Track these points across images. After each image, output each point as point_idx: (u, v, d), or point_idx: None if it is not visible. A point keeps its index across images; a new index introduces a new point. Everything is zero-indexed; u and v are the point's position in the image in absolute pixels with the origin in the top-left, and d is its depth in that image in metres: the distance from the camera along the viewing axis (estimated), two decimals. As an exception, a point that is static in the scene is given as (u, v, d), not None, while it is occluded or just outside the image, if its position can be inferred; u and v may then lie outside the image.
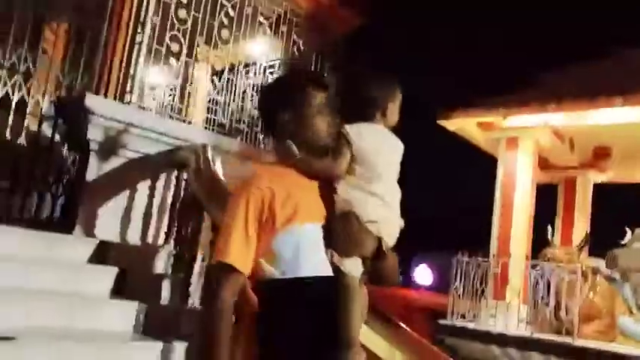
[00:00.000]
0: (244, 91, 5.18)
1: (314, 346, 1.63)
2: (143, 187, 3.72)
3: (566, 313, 6.95)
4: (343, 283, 1.74)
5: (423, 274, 12.72)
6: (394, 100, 2.04)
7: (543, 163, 9.34)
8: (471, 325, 7.41)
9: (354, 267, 1.77)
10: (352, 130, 1.91)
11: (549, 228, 8.09)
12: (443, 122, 8.24)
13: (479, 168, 8.86)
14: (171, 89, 4.54)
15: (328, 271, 1.70)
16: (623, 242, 8.06)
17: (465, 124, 8.29)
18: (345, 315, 1.72)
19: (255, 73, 5.13)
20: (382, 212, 1.87)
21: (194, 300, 2.93)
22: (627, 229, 8.11)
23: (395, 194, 1.96)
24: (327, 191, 1.81)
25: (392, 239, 1.89)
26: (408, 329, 2.55)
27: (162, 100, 4.54)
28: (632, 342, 7.01)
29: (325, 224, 1.74)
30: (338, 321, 1.70)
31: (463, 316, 7.65)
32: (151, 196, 3.73)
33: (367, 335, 2.39)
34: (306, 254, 1.65)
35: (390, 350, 2.33)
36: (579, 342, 6.45)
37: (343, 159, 1.86)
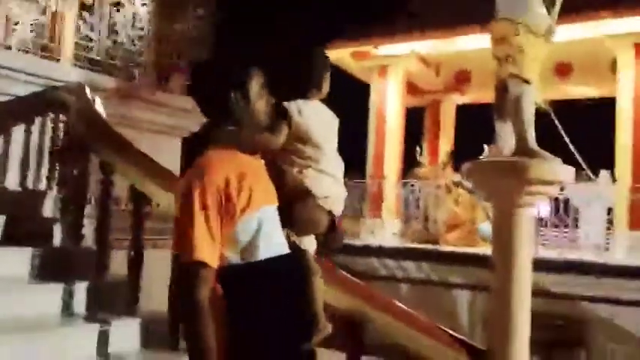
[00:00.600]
0: (116, 26, 5.05)
1: (283, 325, 1.67)
2: (18, 132, 3.61)
3: (434, 224, 7.74)
4: (305, 261, 1.85)
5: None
6: (327, 73, 2.12)
7: (412, 89, 9.97)
8: (352, 242, 8.02)
9: (310, 243, 1.91)
10: (291, 107, 1.99)
11: (418, 148, 8.78)
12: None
13: (357, 96, 9.27)
14: (36, 26, 4.34)
15: (286, 251, 1.73)
16: (480, 157, 8.98)
17: (340, 55, 8.60)
18: (310, 290, 1.85)
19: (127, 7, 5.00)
20: (334, 189, 2.01)
21: (88, 241, 3.02)
22: (485, 145, 9.02)
23: (340, 167, 2.09)
24: (274, 172, 1.82)
25: (340, 211, 2.04)
26: (330, 263, 2.82)
27: (27, 37, 4.34)
28: (489, 244, 7.95)
29: (280, 205, 1.74)
30: (304, 297, 1.80)
31: (347, 235, 8.24)
32: (27, 140, 3.63)
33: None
34: (267, 237, 1.67)
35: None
36: (445, 248, 7.25)
37: (281, 133, 1.93)
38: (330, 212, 1.99)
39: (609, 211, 7.09)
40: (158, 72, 5.57)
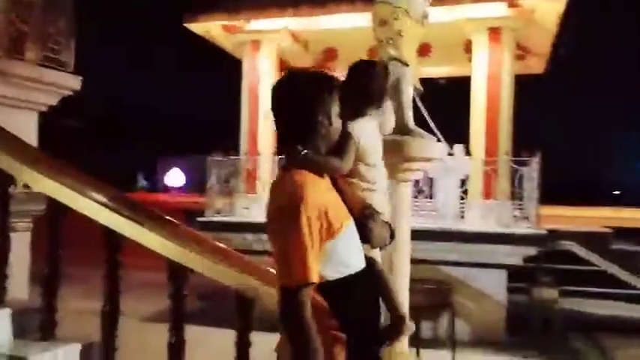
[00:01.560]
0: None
1: (375, 329, 1.89)
2: None
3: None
4: (379, 269, 2.03)
5: (175, 177, 12.92)
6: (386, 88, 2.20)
7: (282, 64, 10.04)
8: (226, 219, 8.00)
9: (375, 253, 2.06)
10: (355, 127, 2.00)
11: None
12: (189, 25, 8.24)
13: (228, 71, 9.13)
14: None
15: (364, 261, 1.86)
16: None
17: (210, 28, 8.40)
18: (393, 292, 2.03)
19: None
20: (384, 202, 2.13)
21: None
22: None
23: (385, 179, 2.20)
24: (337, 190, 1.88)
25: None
26: (188, 228, 2.80)
27: None
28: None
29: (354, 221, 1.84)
30: (387, 298, 1.98)
31: (219, 212, 8.19)
32: None
33: (153, 240, 2.57)
34: (353, 251, 1.80)
35: (180, 250, 2.57)
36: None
37: (350, 156, 1.95)
38: (389, 225, 2.14)
39: (463, 182, 7.74)
40: (9, 40, 5.08)
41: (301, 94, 1.78)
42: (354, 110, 2.09)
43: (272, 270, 3.15)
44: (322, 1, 7.71)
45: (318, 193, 1.70)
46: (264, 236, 6.69)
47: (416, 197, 7.63)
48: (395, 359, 3.38)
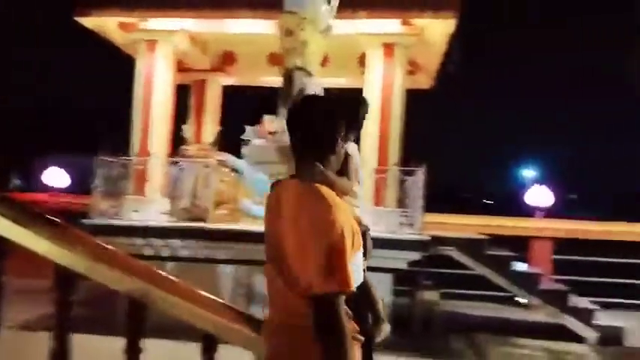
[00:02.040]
0: None
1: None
2: None
3: (201, 202, 7.83)
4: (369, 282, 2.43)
5: (56, 177, 12.18)
6: None
7: (178, 65, 9.85)
8: (114, 222, 7.69)
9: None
10: (349, 149, 2.26)
11: (185, 127, 8.74)
12: (81, 19, 7.85)
13: (121, 68, 8.80)
14: None
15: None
16: (242, 137, 9.38)
17: (104, 23, 8.06)
18: (376, 298, 2.60)
19: None
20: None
21: None
22: (247, 126, 9.41)
23: None
24: None
25: None
26: (71, 227, 2.70)
27: None
28: (250, 219, 8.38)
29: None
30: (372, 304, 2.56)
31: (105, 214, 7.85)
32: None
33: (31, 240, 2.45)
34: (361, 264, 2.00)
35: (59, 250, 2.47)
36: (212, 225, 7.41)
37: (353, 177, 2.27)
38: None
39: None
40: None
41: (323, 117, 1.95)
42: (346, 134, 2.22)
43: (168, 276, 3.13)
44: (223, 4, 7.68)
45: (347, 208, 1.85)
46: (156, 240, 6.54)
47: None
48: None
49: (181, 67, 9.90)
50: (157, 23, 8.02)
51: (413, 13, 7.38)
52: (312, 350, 1.75)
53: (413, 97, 10.78)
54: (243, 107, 11.23)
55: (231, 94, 11.07)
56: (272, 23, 7.04)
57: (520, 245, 10.12)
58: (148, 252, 7.70)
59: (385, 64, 7.84)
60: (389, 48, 7.80)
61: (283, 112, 3.89)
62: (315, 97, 2.16)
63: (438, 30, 7.71)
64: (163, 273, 3.59)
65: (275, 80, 10.68)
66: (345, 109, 2.07)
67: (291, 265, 1.79)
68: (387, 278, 7.30)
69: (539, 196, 11.21)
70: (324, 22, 3.87)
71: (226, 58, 10.01)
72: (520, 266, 8.75)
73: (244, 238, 7.22)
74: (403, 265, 7.43)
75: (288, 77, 3.67)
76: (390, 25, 7.70)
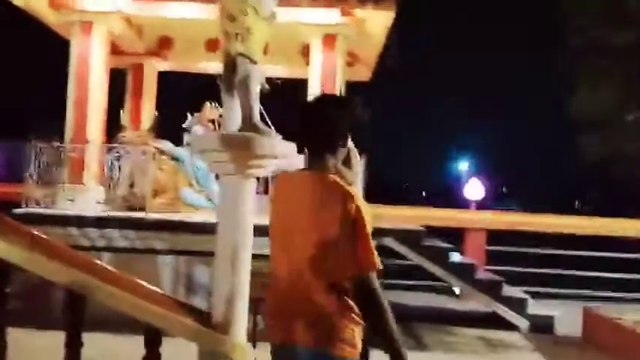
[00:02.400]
0: None
1: None
2: None
3: (139, 191, 7.62)
4: None
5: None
6: None
7: (113, 49, 9.51)
8: (48, 211, 7.37)
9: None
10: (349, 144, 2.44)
11: (122, 112, 8.46)
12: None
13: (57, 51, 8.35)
14: None
15: None
16: (183, 125, 9.17)
17: (33, 1, 7.65)
18: None
19: None
20: None
21: None
22: (188, 114, 9.22)
23: None
24: None
25: None
26: (5, 217, 2.58)
27: None
28: (191, 209, 8.24)
29: None
30: None
31: (39, 203, 7.51)
32: None
33: None
34: None
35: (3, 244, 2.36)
36: (151, 215, 7.23)
37: (356, 168, 2.60)
38: None
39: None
40: None
41: (337, 115, 2.21)
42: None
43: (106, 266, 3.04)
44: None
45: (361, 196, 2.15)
46: (93, 230, 6.32)
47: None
48: (233, 352, 3.43)
49: (117, 51, 9.56)
50: (92, 3, 7.67)
51: (353, 3, 7.41)
52: (339, 329, 2.11)
53: (352, 88, 10.91)
54: (184, 93, 10.99)
55: (172, 79, 10.82)
56: (210, 8, 6.90)
57: (456, 236, 10.44)
58: (83, 242, 7.44)
59: (326, 54, 7.85)
60: (330, 39, 7.81)
61: (226, 99, 3.81)
62: (329, 96, 2.51)
63: (378, 22, 7.78)
64: (103, 264, 3.48)
65: (213, 67, 10.56)
66: (352, 108, 2.27)
67: (354, 250, 2.08)
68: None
69: (473, 188, 11.58)
70: (268, 9, 3.80)
71: (163, 42, 9.74)
72: (456, 257, 9.00)
73: (184, 228, 7.10)
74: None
75: (231, 64, 3.59)
76: (330, 15, 7.69)
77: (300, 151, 2.76)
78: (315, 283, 2.09)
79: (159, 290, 3.69)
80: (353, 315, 2.13)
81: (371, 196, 9.39)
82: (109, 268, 3.46)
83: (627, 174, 20.90)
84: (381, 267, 2.11)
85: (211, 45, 9.41)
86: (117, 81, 9.53)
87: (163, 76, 10.55)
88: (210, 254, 6.38)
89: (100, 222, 7.19)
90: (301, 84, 8.60)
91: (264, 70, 3.84)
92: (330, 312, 2.10)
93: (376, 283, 2.11)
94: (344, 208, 2.05)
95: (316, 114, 2.24)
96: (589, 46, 19.08)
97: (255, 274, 4.09)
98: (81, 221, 7.15)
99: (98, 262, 3.06)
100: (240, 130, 3.69)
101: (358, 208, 2.07)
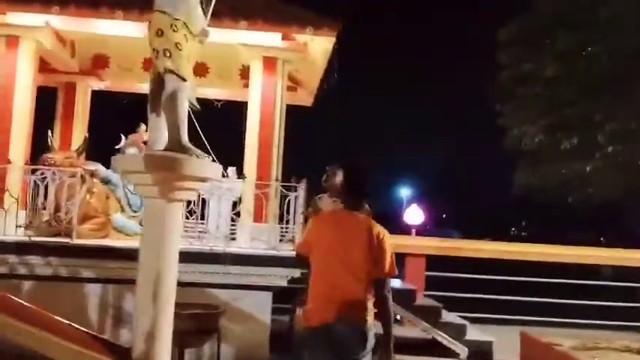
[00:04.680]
0: None
1: None
2: None
3: (65, 216, 7.19)
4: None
5: None
6: None
7: (44, 66, 9.08)
8: (-38, 237, 6.83)
9: None
10: None
11: (50, 132, 8.03)
12: None
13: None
14: None
15: None
16: (117, 147, 8.80)
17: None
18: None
19: None
20: None
21: None
22: (122, 135, 8.87)
23: None
24: None
25: None
26: None
27: None
28: (122, 236, 7.86)
29: None
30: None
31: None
32: None
33: None
34: None
35: None
36: (77, 241, 6.82)
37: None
38: None
39: (235, 205, 7.78)
40: None
41: (369, 177, 3.70)
42: None
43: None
44: (94, 3, 7.14)
45: None
46: (12, 257, 5.85)
47: (187, 218, 7.41)
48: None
49: (48, 69, 9.14)
50: (18, 18, 7.25)
51: (293, 28, 7.33)
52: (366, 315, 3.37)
53: (295, 113, 10.81)
54: (119, 114, 10.59)
55: (107, 99, 10.42)
56: (147, 26, 6.65)
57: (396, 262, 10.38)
58: (2, 270, 6.94)
59: (266, 77, 7.68)
60: (270, 62, 7.64)
61: (152, 118, 3.59)
62: (365, 164, 3.72)
63: (319, 46, 7.72)
64: (9, 296, 3.15)
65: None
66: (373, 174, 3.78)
67: (378, 261, 3.38)
68: (267, 296, 7.12)
69: (413, 214, 11.63)
70: (199, 25, 3.63)
71: (97, 60, 9.38)
72: (396, 282, 8.95)
73: (112, 254, 6.73)
74: (283, 283, 7.31)
75: (159, 80, 3.39)
76: (270, 39, 7.57)
77: (338, 195, 3.68)
78: (353, 281, 3.35)
79: (74, 325, 3.38)
80: (370, 301, 3.38)
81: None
82: (17, 300, 3.15)
83: (550, 198, 21.73)
84: (396, 273, 3.52)
85: (148, 64, 9.12)
86: (44, 98, 9.08)
87: (98, 96, 10.15)
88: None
89: (21, 247, 6.72)
90: (241, 107, 8.43)
91: (194, 87, 3.66)
92: (360, 299, 3.34)
93: (390, 285, 3.46)
94: (373, 233, 3.43)
95: (358, 175, 3.63)
96: (521, 76, 19.86)
97: (182, 305, 3.83)
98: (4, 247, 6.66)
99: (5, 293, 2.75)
100: (165, 150, 3.48)
101: (382, 233, 3.46)
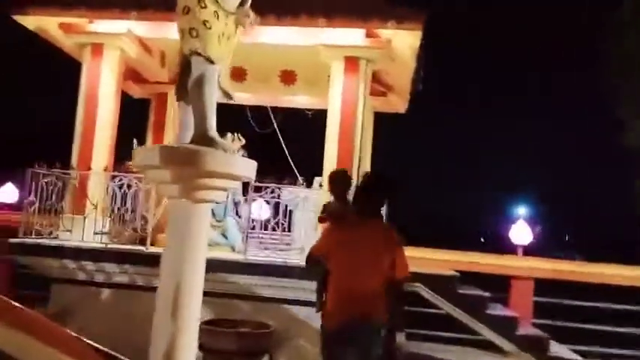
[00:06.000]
0: None
1: None
2: None
3: (145, 224, 7.09)
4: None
5: (9, 193, 11.44)
6: None
7: (136, 77, 9.21)
8: (45, 242, 6.93)
9: None
10: None
11: (135, 141, 8.03)
12: (19, 18, 7.17)
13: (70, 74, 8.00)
14: None
15: None
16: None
17: (45, 24, 7.38)
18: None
19: None
20: None
21: None
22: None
23: None
24: None
25: None
26: None
27: None
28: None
29: None
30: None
31: (39, 233, 7.08)
32: None
33: None
34: None
35: None
36: (151, 249, 6.66)
37: None
38: None
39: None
40: None
41: (394, 187, 3.96)
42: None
43: None
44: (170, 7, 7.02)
45: None
46: (90, 264, 5.79)
47: (274, 230, 7.06)
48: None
49: (141, 79, 9.26)
50: (102, 25, 7.31)
51: (374, 22, 6.70)
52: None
53: (388, 120, 10.19)
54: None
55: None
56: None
57: (499, 284, 9.38)
58: (80, 276, 6.95)
59: (347, 79, 7.12)
60: (351, 62, 7.07)
61: (182, 108, 3.16)
62: (389, 176, 3.94)
63: (404, 43, 7.04)
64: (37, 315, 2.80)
65: (240, 97, 10.10)
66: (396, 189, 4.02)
67: (397, 264, 3.67)
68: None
69: (520, 232, 10.47)
70: (235, 3, 3.16)
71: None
72: (496, 308, 8.04)
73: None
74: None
75: (185, 64, 2.95)
76: (352, 37, 7.01)
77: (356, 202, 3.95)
78: (373, 283, 3.58)
79: (98, 347, 2.99)
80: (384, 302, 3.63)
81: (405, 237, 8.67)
82: (45, 321, 2.79)
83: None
84: (410, 275, 3.75)
85: (238, 74, 9.00)
86: (138, 108, 9.19)
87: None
88: (215, 295, 5.76)
89: (97, 254, 6.68)
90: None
91: (226, 71, 3.21)
92: (378, 301, 3.57)
93: (404, 286, 3.85)
94: (391, 238, 3.75)
95: (385, 185, 3.86)
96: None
97: (236, 322, 3.40)
98: (77, 253, 6.66)
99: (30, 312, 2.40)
100: (193, 142, 3.05)
101: (396, 237, 3.76)
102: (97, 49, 7.41)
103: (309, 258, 4.01)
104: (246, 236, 6.90)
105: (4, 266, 9.41)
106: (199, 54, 3.03)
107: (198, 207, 3.06)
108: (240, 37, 3.33)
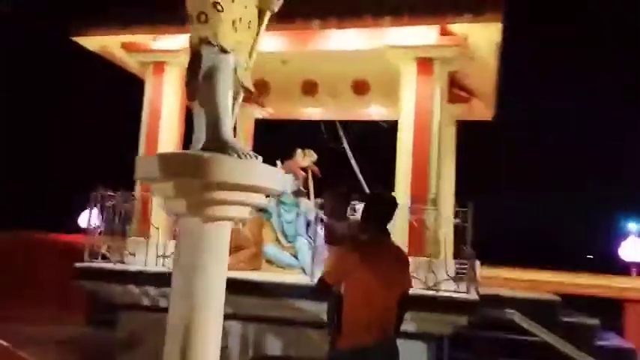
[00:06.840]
0: None
1: None
2: None
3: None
4: None
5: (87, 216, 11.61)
6: None
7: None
8: (109, 266, 6.74)
9: None
10: None
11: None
12: (79, 39, 7.14)
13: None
14: None
15: None
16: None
17: (107, 44, 7.32)
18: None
19: None
20: None
21: None
22: (278, 161, 8.34)
23: None
24: None
25: None
26: None
27: None
28: (274, 268, 7.23)
29: None
30: None
31: (105, 257, 6.92)
32: None
33: None
34: None
35: None
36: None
37: None
38: None
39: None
40: None
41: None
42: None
43: None
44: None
45: None
46: (152, 289, 5.55)
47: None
48: None
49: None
50: (162, 42, 7.12)
51: (448, 17, 5.96)
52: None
53: (469, 129, 9.37)
54: (279, 141, 10.16)
55: (269, 126, 10.13)
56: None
57: (609, 310, 8.23)
58: (144, 302, 6.68)
59: (420, 83, 6.41)
60: (424, 63, 6.36)
61: (196, 108, 2.65)
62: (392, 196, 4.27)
63: (482, 39, 6.24)
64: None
65: (309, 112, 9.64)
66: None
67: (409, 282, 3.99)
68: (422, 348, 5.79)
69: (631, 248, 9.18)
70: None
71: (258, 87, 9.04)
72: (609, 337, 7.01)
73: (258, 290, 6.06)
74: (448, 331, 5.95)
75: (197, 54, 2.44)
76: (423, 35, 6.32)
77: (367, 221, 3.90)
78: (393, 301, 3.76)
79: None
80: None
81: (491, 256, 7.77)
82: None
83: None
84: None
85: (308, 88, 8.60)
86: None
87: (259, 124, 9.89)
88: (284, 322, 5.60)
89: (160, 279, 6.37)
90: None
91: (245, 63, 2.70)
92: (394, 320, 3.82)
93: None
94: (403, 254, 4.03)
95: (390, 205, 3.93)
96: None
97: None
98: (140, 278, 6.40)
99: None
100: (203, 148, 2.54)
101: (403, 252, 4.06)
102: (159, 67, 7.24)
103: (319, 283, 3.90)
104: (313, 258, 6.37)
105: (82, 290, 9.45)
106: (210, 42, 2.53)
107: (210, 227, 2.52)
108: (267, 24, 2.81)
